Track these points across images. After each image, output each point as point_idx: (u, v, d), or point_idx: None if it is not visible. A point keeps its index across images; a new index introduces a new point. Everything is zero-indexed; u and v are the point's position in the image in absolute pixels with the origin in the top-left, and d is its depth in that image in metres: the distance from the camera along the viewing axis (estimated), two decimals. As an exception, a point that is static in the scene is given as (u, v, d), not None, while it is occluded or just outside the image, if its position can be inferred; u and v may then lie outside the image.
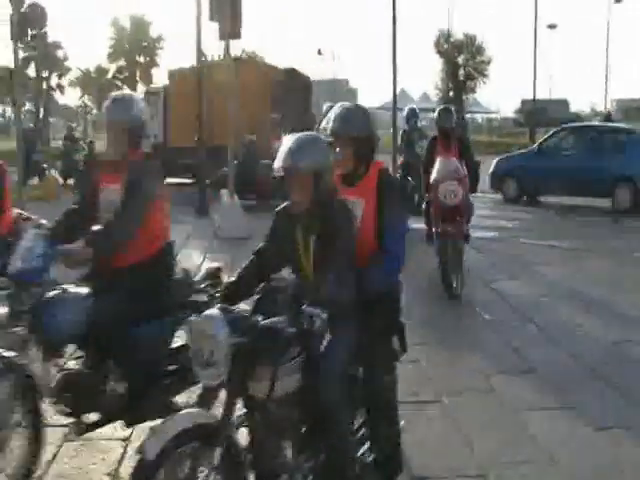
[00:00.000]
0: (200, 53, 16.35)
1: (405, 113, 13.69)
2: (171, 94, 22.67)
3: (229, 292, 3.69)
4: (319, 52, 45.32)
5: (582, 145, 17.09)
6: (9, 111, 62.51)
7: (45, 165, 23.14)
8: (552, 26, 56.93)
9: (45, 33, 47.92)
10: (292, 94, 20.62)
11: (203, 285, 4.76)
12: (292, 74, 22.29)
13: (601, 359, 6.51)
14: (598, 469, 4.55)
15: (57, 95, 52.61)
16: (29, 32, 19.62)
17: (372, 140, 3.91)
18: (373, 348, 3.81)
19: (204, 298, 4.60)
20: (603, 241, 12.35)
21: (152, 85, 34.48)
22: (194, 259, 11.01)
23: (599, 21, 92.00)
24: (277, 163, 3.49)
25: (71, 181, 22.31)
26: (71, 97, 48.96)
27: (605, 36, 57.18)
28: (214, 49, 20.75)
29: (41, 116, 48.08)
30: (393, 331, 3.95)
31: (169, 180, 17.45)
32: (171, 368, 4.47)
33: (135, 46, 36.06)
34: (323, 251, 3.54)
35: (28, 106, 59.37)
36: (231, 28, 12.47)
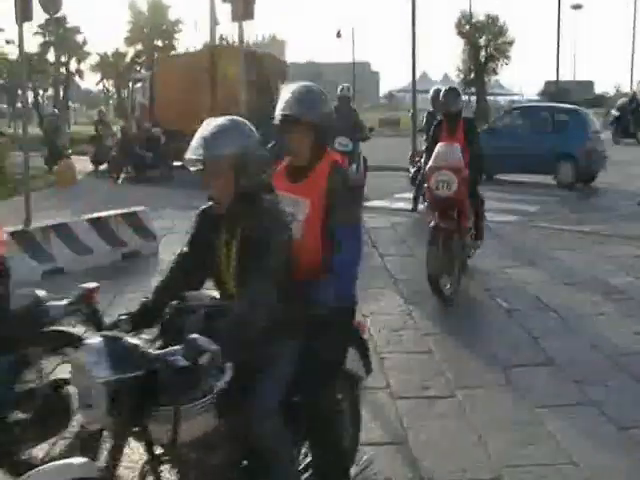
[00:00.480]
0: (214, 35, 15.97)
1: (430, 94, 13.20)
2: (157, 81, 23.11)
3: (137, 315, 3.12)
4: (338, 34, 44.71)
5: (529, 124, 18.22)
6: (30, 97, 62.65)
7: (69, 151, 22.77)
8: (577, 6, 56.11)
9: (64, 18, 48.23)
10: (268, 79, 20.58)
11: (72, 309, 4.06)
12: (269, 59, 22.41)
13: (623, 350, 6.20)
14: (621, 471, 4.26)
15: (78, 80, 52.69)
16: (47, 16, 19.74)
17: (330, 129, 3.45)
18: (317, 375, 3.27)
19: (78, 328, 4.06)
20: (625, 224, 11.93)
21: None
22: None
23: (624, 0, 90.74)
24: (188, 154, 2.97)
25: (103, 167, 21.68)
26: (91, 82, 48.97)
27: (631, 16, 55.94)
28: (231, 31, 20.89)
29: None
30: (344, 354, 3.48)
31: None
32: (21, 416, 3.86)
33: (153, 30, 35.81)
34: (244, 261, 3.01)
35: (50, 92, 59.61)
36: (243, 9, 12.15)
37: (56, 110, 24.39)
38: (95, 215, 10.21)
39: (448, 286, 7.54)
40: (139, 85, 25.48)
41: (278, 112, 3.37)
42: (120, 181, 20.05)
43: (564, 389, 5.43)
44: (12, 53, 43.34)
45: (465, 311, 7.47)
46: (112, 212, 10.32)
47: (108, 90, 66.88)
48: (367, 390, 4.39)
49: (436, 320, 7.09)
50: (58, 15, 45.87)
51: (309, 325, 3.21)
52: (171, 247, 10.60)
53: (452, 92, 8.51)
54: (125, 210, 10.49)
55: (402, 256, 9.67)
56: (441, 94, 8.67)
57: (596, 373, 5.70)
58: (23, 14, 10.12)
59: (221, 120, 3.03)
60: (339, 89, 12.84)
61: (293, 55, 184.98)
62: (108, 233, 10.01)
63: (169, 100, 21.26)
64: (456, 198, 7.63)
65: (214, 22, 15.36)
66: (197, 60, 21.59)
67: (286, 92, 3.40)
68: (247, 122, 3.09)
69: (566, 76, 59.03)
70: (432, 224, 7.53)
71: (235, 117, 3.12)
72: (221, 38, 45.98)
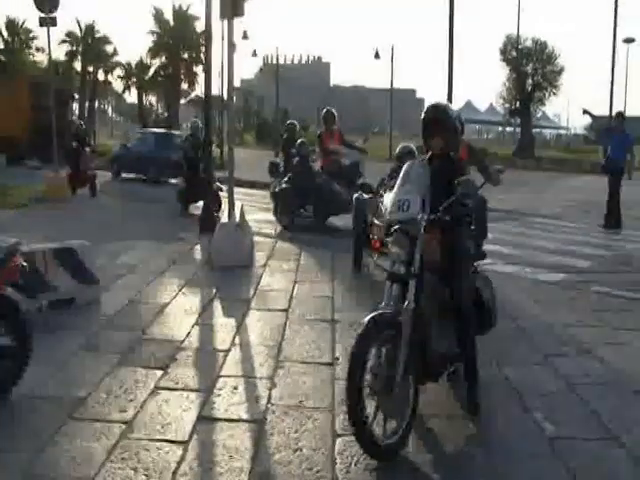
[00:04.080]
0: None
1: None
2: None
3: None
4: (377, 55, 42.41)
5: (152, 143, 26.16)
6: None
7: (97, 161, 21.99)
8: (629, 40, 53.37)
9: (92, 27, 46.77)
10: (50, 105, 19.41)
11: None
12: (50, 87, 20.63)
13: None
14: None
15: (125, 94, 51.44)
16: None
17: None
18: None
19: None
20: None
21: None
22: (166, 292, 8.55)
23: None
24: None
25: None
26: (134, 96, 47.72)
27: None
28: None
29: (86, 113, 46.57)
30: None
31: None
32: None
33: (178, 41, 33.82)
34: None
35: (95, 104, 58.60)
36: (232, 5, 9.97)
37: (82, 123, 22.46)
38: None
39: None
40: None
41: None
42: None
43: None
44: (42, 62, 42.08)
45: (482, 438, 4.98)
46: (40, 246, 8.04)
47: (152, 105, 66.03)
48: None
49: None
50: (87, 23, 44.46)
51: None
52: (122, 294, 8.54)
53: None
54: (58, 244, 8.21)
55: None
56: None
57: None
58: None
59: None
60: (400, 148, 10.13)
61: (338, 77, 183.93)
62: (31, 274, 7.72)
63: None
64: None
65: (209, 23, 12.95)
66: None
67: None
68: None
69: (615, 110, 56.14)
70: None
71: None
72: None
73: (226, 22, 10.87)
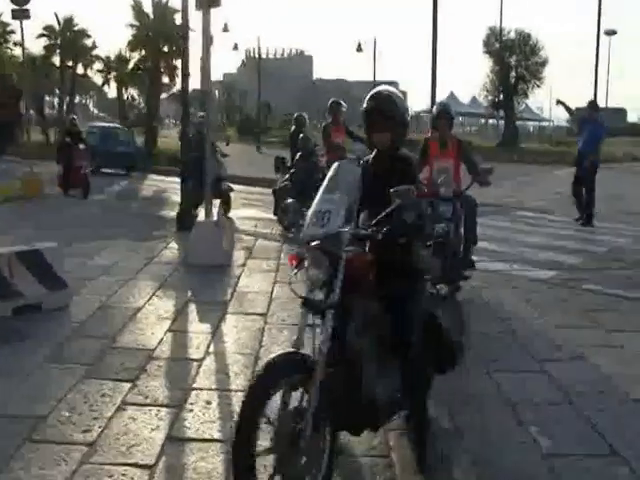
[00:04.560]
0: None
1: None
2: None
3: None
4: (359, 48, 41.95)
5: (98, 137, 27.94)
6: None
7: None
8: (611, 32, 53.38)
9: (71, 20, 46.01)
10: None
11: None
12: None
13: None
14: None
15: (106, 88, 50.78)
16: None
17: None
18: None
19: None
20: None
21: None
22: (139, 296, 8.17)
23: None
24: None
25: None
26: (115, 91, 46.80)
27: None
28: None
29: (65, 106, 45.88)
30: None
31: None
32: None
33: (158, 34, 33.21)
34: None
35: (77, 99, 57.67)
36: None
37: (74, 117, 21.38)
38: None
39: None
40: None
41: None
42: None
43: None
44: (19, 57, 41.39)
45: (475, 455, 4.62)
46: (4, 249, 7.61)
47: (134, 99, 65.24)
48: None
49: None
50: (65, 16, 43.75)
51: None
52: (93, 298, 8.12)
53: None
54: (23, 247, 7.78)
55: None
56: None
57: None
58: None
59: None
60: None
61: (320, 71, 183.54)
62: (-5, 278, 7.32)
63: None
64: None
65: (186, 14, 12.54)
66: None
67: None
68: None
69: (598, 103, 56.08)
70: None
71: None
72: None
73: (208, 14, 10.46)
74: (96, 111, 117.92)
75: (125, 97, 49.01)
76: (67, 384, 5.53)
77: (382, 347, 3.99)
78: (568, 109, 15.69)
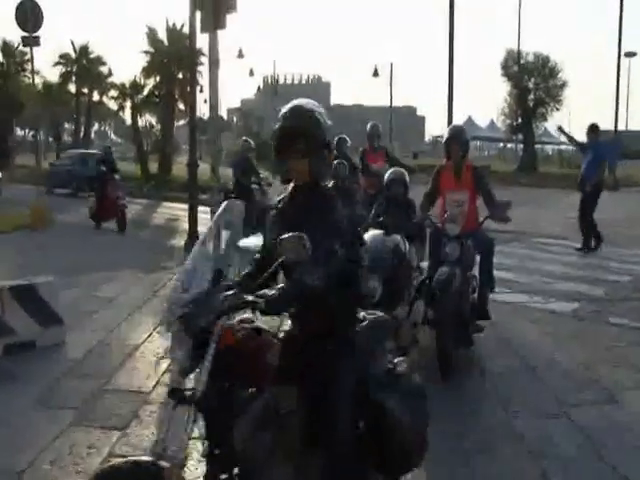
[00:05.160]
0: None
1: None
2: None
3: None
4: (375, 72, 41.79)
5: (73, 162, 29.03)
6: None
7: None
8: (631, 54, 52.86)
9: (87, 49, 46.27)
10: None
11: None
12: None
13: None
14: None
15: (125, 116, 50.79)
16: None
17: None
18: None
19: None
20: None
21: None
22: (139, 331, 7.79)
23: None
24: None
25: None
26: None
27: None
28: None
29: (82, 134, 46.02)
30: None
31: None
32: None
33: (173, 61, 33.15)
34: None
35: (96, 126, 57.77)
36: (215, 18, 9.31)
37: (109, 146, 20.93)
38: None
39: None
40: None
41: None
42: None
43: None
44: (37, 85, 41.67)
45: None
46: (-5, 284, 7.27)
47: (152, 126, 65.53)
48: None
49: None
50: (82, 44, 43.92)
51: None
52: (90, 335, 7.73)
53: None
54: (17, 282, 7.44)
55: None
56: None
57: None
58: None
59: None
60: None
61: (337, 97, 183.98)
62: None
63: None
64: None
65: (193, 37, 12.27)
66: None
67: None
68: None
69: (619, 125, 55.40)
70: None
71: None
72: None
73: (215, 37, 10.26)
74: (114, 137, 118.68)
75: (142, 124, 49.11)
76: (52, 432, 5.15)
77: (289, 447, 3.05)
78: (568, 136, 15.40)
